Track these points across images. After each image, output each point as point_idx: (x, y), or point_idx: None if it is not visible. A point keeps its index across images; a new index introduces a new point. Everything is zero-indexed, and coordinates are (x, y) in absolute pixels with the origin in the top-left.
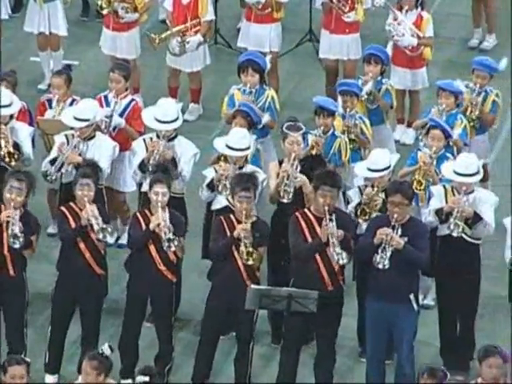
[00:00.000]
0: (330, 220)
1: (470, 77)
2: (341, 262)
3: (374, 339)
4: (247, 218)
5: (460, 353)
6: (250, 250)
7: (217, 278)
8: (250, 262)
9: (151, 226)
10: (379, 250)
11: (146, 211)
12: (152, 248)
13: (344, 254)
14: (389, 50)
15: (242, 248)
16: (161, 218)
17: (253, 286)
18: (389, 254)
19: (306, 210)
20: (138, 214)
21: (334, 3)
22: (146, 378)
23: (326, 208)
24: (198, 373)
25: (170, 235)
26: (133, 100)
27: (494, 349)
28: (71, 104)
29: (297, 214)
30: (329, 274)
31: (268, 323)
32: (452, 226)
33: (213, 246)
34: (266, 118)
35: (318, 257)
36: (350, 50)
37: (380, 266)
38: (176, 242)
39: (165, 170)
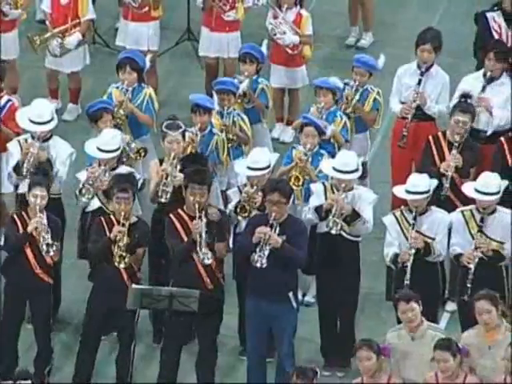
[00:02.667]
0: (200, 218)
1: (349, 74)
2: (206, 261)
3: (255, 337)
4: (126, 220)
5: (340, 349)
6: (123, 253)
7: (97, 279)
8: (122, 266)
9: (29, 228)
10: (257, 249)
11: (23, 213)
12: (28, 251)
13: (210, 254)
14: (264, 48)
15: (116, 250)
16: (39, 222)
17: (134, 286)
18: (267, 252)
19: (179, 210)
20: (14, 216)
21: (214, 2)
22: (28, 382)
23: (196, 206)
24: (79, 373)
25: (49, 240)
26: (9, 100)
27: (361, 342)
28: None
29: (170, 215)
30: (207, 272)
31: (149, 322)
32: (331, 224)
33: (91, 247)
34: (145, 117)
35: (195, 256)
36: (230, 49)
37: (258, 265)
38: (55, 247)
39: (45, 172)
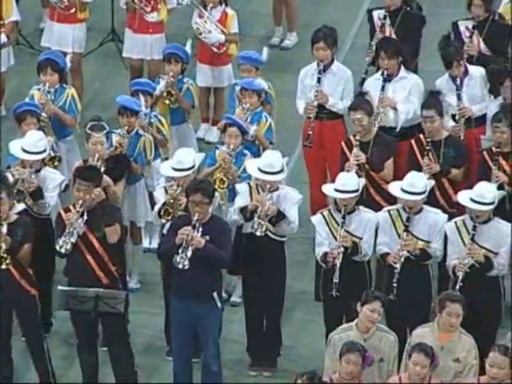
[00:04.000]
0: (81, 215)
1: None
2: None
3: (180, 338)
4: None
5: (266, 349)
6: (4, 255)
7: None
8: (4, 267)
9: None
10: (180, 251)
11: None
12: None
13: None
14: (188, 48)
15: None
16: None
17: (59, 287)
18: (189, 253)
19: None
20: None
21: (135, 3)
22: None
23: (80, 202)
24: (0, 375)
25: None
26: None
27: (348, 345)
28: None
29: (60, 210)
30: (98, 265)
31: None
32: (256, 226)
33: None
34: (68, 118)
35: (85, 250)
36: (153, 50)
37: (180, 266)
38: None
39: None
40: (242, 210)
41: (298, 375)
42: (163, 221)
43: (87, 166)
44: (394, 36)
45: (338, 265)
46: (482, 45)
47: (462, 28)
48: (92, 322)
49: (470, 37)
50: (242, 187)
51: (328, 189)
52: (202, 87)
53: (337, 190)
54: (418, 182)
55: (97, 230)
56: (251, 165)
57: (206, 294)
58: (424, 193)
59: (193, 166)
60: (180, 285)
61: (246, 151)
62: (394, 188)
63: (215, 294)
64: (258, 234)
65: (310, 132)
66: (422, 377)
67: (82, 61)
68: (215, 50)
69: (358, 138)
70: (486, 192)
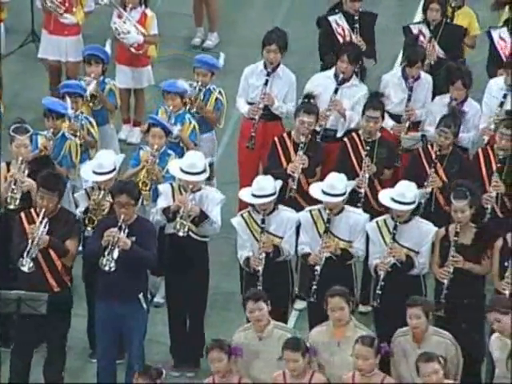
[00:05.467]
0: (40, 223)
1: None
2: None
3: (104, 339)
4: None
5: (190, 350)
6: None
7: None
8: None
9: None
10: (106, 253)
11: None
12: None
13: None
14: (108, 48)
15: None
16: None
17: None
18: (115, 255)
19: (29, 211)
20: None
21: (47, 5)
22: None
23: (43, 210)
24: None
25: None
26: None
27: (213, 343)
28: None
29: (21, 214)
30: (52, 275)
31: None
32: (178, 226)
33: None
34: None
35: (41, 259)
36: (68, 52)
37: (106, 269)
38: None
39: None
40: (165, 210)
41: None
42: (88, 229)
43: (50, 174)
44: (359, 38)
45: (261, 271)
46: (438, 48)
47: (415, 31)
48: (33, 326)
49: (429, 41)
50: (164, 188)
51: (244, 194)
52: (121, 88)
53: (254, 196)
54: (337, 183)
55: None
56: (173, 165)
57: (131, 296)
58: (344, 194)
59: (114, 169)
60: (105, 286)
61: (170, 151)
62: (315, 190)
63: (141, 296)
64: (181, 234)
65: (254, 133)
66: (297, 371)
67: (1, 62)
68: (134, 50)
69: (302, 140)
70: (407, 192)
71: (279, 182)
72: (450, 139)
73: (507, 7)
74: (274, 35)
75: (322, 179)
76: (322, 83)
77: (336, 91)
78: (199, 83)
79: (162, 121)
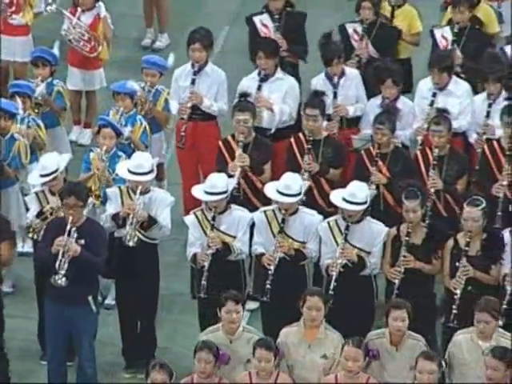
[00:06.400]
0: None
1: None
2: None
3: (54, 341)
4: None
5: (141, 351)
6: None
7: None
8: None
9: None
10: (57, 266)
11: None
12: None
13: None
14: (56, 50)
15: None
16: None
17: None
18: (66, 266)
19: None
20: None
21: None
22: None
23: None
24: None
25: None
26: None
27: (202, 344)
28: None
29: None
30: None
31: None
32: (128, 237)
33: None
34: None
35: None
36: (17, 52)
37: (58, 285)
38: None
39: None
40: (114, 216)
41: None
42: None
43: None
44: (278, 36)
45: (207, 266)
46: (371, 47)
47: (350, 30)
48: None
49: (361, 40)
50: (112, 192)
51: (197, 191)
52: (72, 90)
53: (207, 193)
54: (293, 183)
55: None
56: (121, 167)
57: (80, 298)
58: (299, 194)
59: (56, 170)
60: (54, 289)
61: (120, 153)
62: (270, 190)
63: (90, 298)
64: (131, 244)
65: (183, 133)
66: (266, 372)
67: None
68: (86, 54)
69: (241, 139)
70: (358, 192)
71: (231, 181)
72: (387, 136)
73: (450, 7)
74: (197, 34)
75: (276, 178)
76: (248, 85)
77: (259, 88)
78: (148, 84)
79: (113, 121)
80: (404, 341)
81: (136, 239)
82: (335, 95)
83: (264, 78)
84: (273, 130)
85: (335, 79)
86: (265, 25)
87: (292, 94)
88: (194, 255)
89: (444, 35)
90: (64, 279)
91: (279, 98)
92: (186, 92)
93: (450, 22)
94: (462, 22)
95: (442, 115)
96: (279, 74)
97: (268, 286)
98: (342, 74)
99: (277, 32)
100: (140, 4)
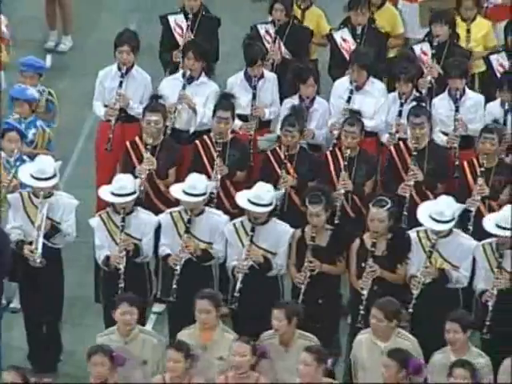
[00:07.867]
0: None
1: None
2: None
3: None
4: None
5: (47, 355)
6: None
7: None
8: None
9: None
10: None
11: None
12: None
13: None
14: None
15: None
16: None
17: None
18: None
19: None
20: None
21: None
22: None
23: None
24: None
25: None
26: None
27: (95, 348)
28: None
29: None
30: None
31: None
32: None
33: None
34: None
35: None
36: None
37: None
38: None
39: None
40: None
41: None
42: None
43: None
44: (189, 34)
45: (123, 269)
46: (283, 48)
47: (262, 32)
48: None
49: (274, 41)
50: (13, 198)
51: (104, 193)
52: None
53: (113, 194)
54: (198, 184)
55: None
56: (23, 172)
57: None
58: (204, 194)
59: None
60: None
61: (25, 157)
62: (176, 190)
63: None
64: (38, 261)
65: (111, 135)
66: (177, 373)
67: None
68: None
69: (149, 142)
70: (264, 193)
71: (138, 182)
72: (296, 138)
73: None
74: (124, 36)
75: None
76: (169, 85)
77: (184, 87)
78: (25, 85)
79: (17, 124)
80: (294, 341)
81: (38, 256)
82: (254, 96)
83: (189, 80)
84: (191, 131)
85: (255, 80)
86: (178, 25)
87: (214, 99)
88: (107, 258)
89: (343, 37)
90: None
91: (201, 101)
92: (112, 94)
93: (344, 22)
94: (362, 24)
95: (355, 116)
96: (203, 77)
97: (174, 287)
98: (262, 76)
99: (189, 32)
100: (42, 6)
